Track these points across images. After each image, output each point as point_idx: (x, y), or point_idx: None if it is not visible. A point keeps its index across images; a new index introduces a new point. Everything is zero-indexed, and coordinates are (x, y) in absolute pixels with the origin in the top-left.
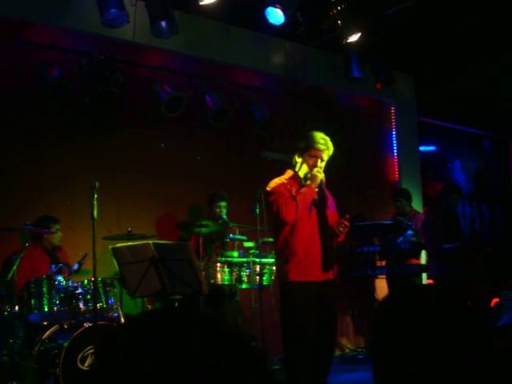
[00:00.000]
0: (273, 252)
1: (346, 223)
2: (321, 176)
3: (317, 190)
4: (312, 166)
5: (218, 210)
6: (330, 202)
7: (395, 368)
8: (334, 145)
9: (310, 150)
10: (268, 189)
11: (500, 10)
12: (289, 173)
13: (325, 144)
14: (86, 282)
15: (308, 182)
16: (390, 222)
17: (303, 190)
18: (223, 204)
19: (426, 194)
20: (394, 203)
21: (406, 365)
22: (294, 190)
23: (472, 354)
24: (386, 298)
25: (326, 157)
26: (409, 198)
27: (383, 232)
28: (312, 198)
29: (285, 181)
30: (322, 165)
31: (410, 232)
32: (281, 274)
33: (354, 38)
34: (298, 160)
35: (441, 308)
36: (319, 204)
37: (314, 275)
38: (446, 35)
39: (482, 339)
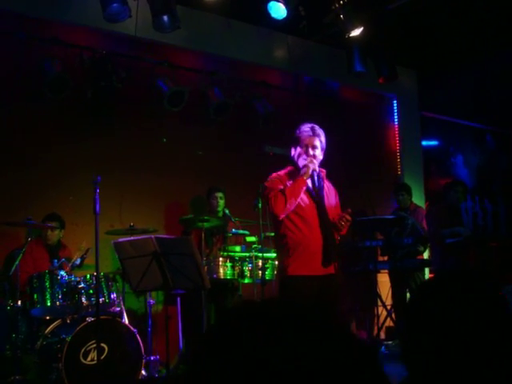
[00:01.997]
0: (274, 246)
1: (348, 217)
2: (313, 165)
3: (307, 179)
4: (305, 155)
5: (214, 202)
6: (333, 195)
7: (429, 354)
8: (336, 140)
9: (299, 141)
10: (265, 183)
11: (503, 5)
12: (288, 167)
13: (313, 131)
14: (88, 276)
15: (302, 173)
16: (392, 217)
17: (293, 181)
18: (219, 195)
19: (428, 188)
20: (396, 197)
21: (439, 350)
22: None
23: (501, 341)
24: (421, 286)
25: (317, 143)
26: (410, 193)
27: (385, 227)
28: (301, 188)
29: (282, 175)
30: (316, 153)
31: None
32: (280, 268)
33: (356, 32)
34: (293, 153)
35: (474, 294)
36: (316, 195)
37: (314, 269)
38: (448, 29)
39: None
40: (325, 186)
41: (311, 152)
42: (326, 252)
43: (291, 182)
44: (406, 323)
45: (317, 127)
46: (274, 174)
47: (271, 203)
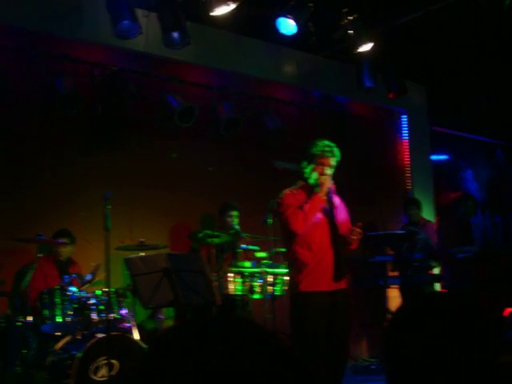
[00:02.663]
0: (285, 262)
1: (359, 230)
2: (328, 184)
3: (325, 197)
4: (320, 174)
5: (229, 220)
6: (343, 210)
7: (408, 378)
8: (346, 155)
9: (316, 159)
10: (278, 200)
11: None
12: (299, 183)
13: (330, 151)
14: (99, 292)
15: (317, 190)
16: (402, 232)
17: (311, 199)
18: (235, 213)
19: (438, 203)
20: (406, 212)
21: (418, 374)
22: (303, 200)
23: (479, 364)
24: (398, 309)
25: (333, 163)
26: (420, 207)
27: (396, 242)
28: (320, 206)
29: (294, 191)
30: (329, 172)
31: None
32: (292, 284)
33: (365, 47)
34: (307, 169)
35: (452, 316)
36: (329, 212)
37: (326, 285)
38: (458, 44)
39: (489, 349)
40: (335, 201)
41: (327, 171)
42: (338, 267)
43: (305, 198)
44: (384, 353)
45: (334, 147)
46: (287, 191)
47: (290, 220)
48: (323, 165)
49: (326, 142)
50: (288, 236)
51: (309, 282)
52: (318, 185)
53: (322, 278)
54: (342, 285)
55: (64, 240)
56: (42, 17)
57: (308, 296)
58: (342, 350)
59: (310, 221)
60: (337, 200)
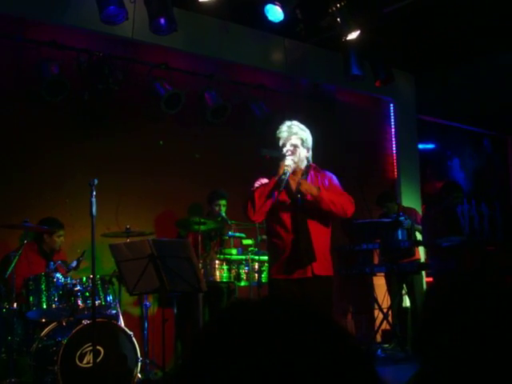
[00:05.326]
0: None
1: (303, 181)
2: (285, 163)
3: (283, 177)
4: (281, 156)
5: (217, 208)
6: (319, 183)
7: (445, 363)
8: (333, 143)
9: (279, 141)
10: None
11: (501, 7)
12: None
13: (288, 130)
14: (84, 279)
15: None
16: (389, 220)
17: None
18: (223, 202)
19: (424, 192)
20: (382, 206)
21: (456, 345)
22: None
23: None
24: (433, 292)
25: (295, 141)
26: (393, 199)
27: (384, 229)
28: (269, 188)
29: (266, 179)
30: (296, 151)
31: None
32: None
33: (353, 35)
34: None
35: (489, 298)
36: (290, 196)
37: (291, 273)
38: (446, 33)
39: None
40: (308, 179)
41: (290, 149)
42: (303, 254)
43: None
44: (424, 317)
45: (295, 125)
46: (260, 178)
47: (244, 207)
48: (284, 145)
49: (288, 122)
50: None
51: (276, 269)
52: (278, 168)
53: (286, 266)
54: (308, 273)
55: (59, 232)
56: (28, 2)
57: (275, 283)
58: None
59: (258, 206)
60: (312, 177)
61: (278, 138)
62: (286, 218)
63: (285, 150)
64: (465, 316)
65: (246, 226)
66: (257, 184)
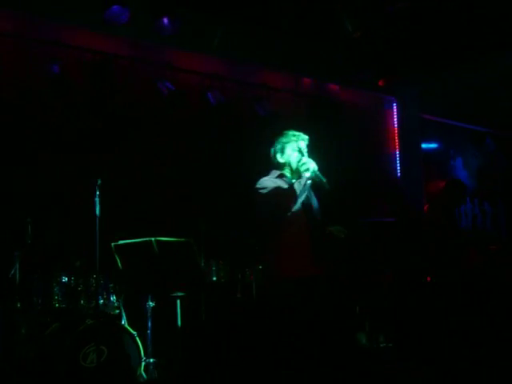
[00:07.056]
0: None
1: None
2: (310, 167)
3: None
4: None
5: None
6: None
7: None
8: (336, 142)
9: (287, 146)
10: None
11: (502, 7)
12: (273, 171)
13: (296, 136)
14: (88, 278)
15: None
16: (393, 220)
17: (289, 187)
18: None
19: (427, 191)
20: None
21: None
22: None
23: None
24: None
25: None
26: None
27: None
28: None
29: (274, 179)
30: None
31: None
32: None
33: (356, 34)
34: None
35: None
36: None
37: (302, 271)
38: (448, 32)
39: None
40: None
41: (304, 157)
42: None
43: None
44: None
45: (302, 134)
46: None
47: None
48: (300, 151)
49: (295, 132)
50: None
51: (286, 267)
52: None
53: (299, 264)
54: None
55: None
56: (32, 1)
57: (283, 282)
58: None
59: (286, 209)
60: None
61: (288, 144)
62: (299, 216)
63: (304, 156)
64: None
65: None
66: (266, 184)
